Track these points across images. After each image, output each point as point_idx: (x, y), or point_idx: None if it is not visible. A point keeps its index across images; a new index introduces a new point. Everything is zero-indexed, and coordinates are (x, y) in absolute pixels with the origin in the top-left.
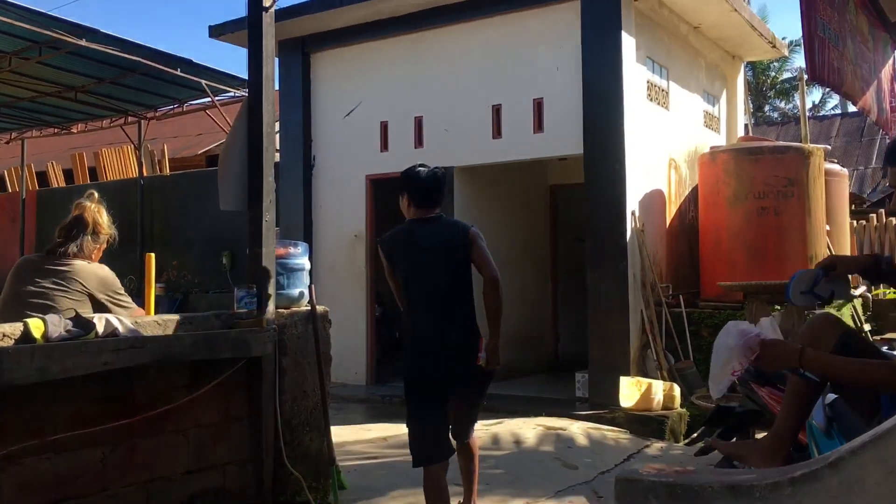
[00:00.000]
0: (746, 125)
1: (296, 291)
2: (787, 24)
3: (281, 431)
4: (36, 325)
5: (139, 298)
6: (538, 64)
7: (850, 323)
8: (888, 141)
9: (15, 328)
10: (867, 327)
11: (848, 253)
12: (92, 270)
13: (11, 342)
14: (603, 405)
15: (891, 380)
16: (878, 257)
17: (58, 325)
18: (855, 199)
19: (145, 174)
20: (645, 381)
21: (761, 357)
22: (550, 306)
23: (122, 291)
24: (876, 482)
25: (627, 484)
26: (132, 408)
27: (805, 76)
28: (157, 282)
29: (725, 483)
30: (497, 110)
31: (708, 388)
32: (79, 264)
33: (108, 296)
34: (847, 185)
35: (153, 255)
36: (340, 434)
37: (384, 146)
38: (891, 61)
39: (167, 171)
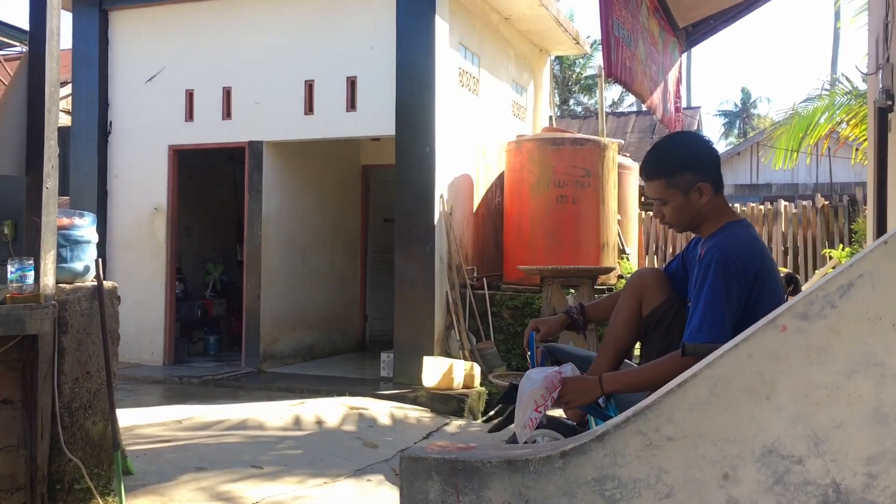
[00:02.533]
0: (551, 116)
1: (80, 265)
2: (591, 24)
3: (59, 415)
4: None
5: None
6: (353, 41)
7: None
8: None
9: None
10: None
11: (635, 241)
12: None
13: None
14: (407, 385)
15: (670, 373)
16: (568, 311)
17: None
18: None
19: None
20: (447, 360)
21: (563, 393)
22: (359, 287)
23: None
24: (636, 454)
25: (412, 462)
26: None
27: (603, 73)
28: None
29: (503, 458)
30: (310, 86)
31: (505, 367)
32: None
33: None
34: (637, 178)
35: None
36: (131, 417)
37: (189, 116)
38: (677, 64)
39: None
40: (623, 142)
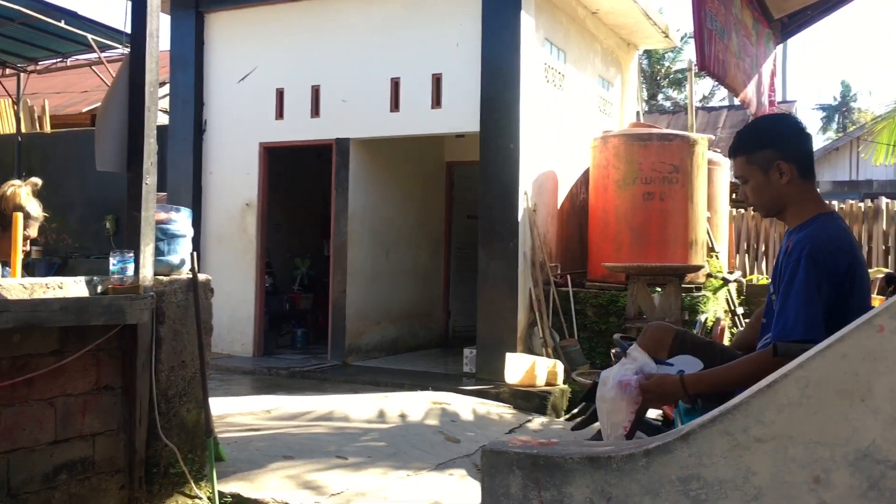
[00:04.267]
0: (638, 112)
1: (176, 258)
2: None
3: (156, 402)
4: None
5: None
6: (439, 39)
7: (725, 305)
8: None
9: None
10: (740, 310)
11: (726, 239)
12: None
13: None
14: (489, 381)
15: (758, 372)
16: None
17: None
18: (736, 188)
19: (24, 131)
20: (530, 357)
21: (646, 402)
22: (443, 283)
23: None
24: (723, 455)
25: (493, 455)
26: None
27: (694, 67)
28: (34, 245)
29: (585, 454)
30: (396, 83)
31: (589, 365)
32: None
33: None
34: (729, 175)
35: (20, 214)
36: (222, 405)
37: (279, 114)
38: (772, 56)
39: (48, 129)
40: (713, 137)
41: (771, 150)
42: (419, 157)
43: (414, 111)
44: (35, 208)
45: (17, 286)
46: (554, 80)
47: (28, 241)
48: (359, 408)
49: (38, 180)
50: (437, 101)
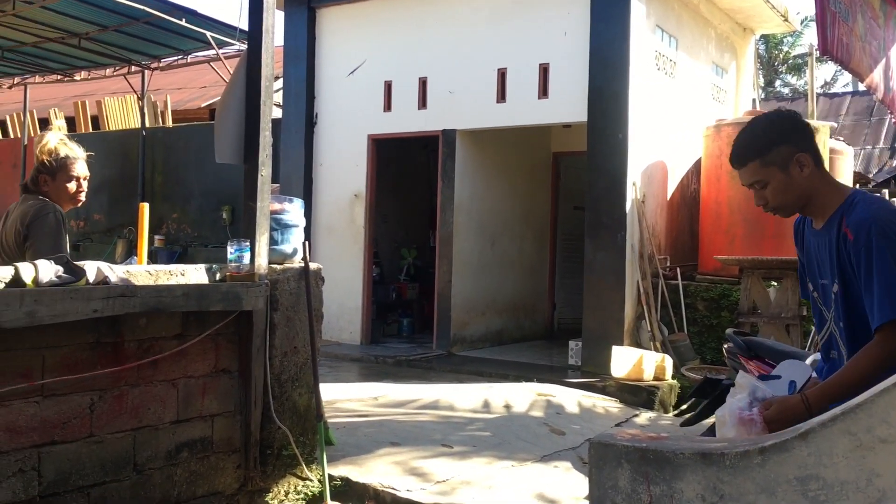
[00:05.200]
0: (754, 99)
1: (289, 248)
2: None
3: (270, 386)
4: (26, 270)
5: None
6: (546, 28)
7: None
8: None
9: (5, 272)
10: None
11: None
12: (22, 207)
13: (2, 285)
14: (595, 374)
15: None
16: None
17: (48, 270)
18: (860, 178)
19: (147, 125)
20: (637, 351)
21: (770, 429)
22: (548, 274)
23: (43, 235)
24: (844, 455)
25: (601, 448)
26: (121, 356)
27: (816, 51)
28: (156, 234)
29: (697, 450)
30: (502, 74)
31: (699, 360)
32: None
33: (16, 237)
34: (851, 164)
35: (146, 205)
36: (331, 391)
37: (387, 106)
38: None
39: (170, 123)
40: (836, 125)
41: (787, 146)
42: (525, 148)
43: (520, 102)
44: (70, 150)
45: (144, 273)
46: (665, 67)
47: (83, 181)
48: (464, 397)
49: (61, 125)
50: (543, 92)
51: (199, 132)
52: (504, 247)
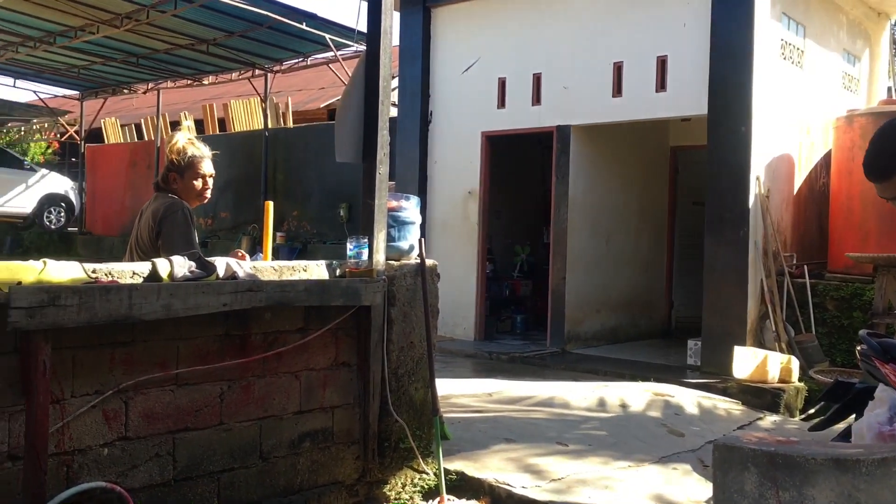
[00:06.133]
0: (889, 87)
1: (406, 244)
2: None
3: (387, 379)
4: (162, 265)
5: (260, 247)
6: (664, 19)
7: None
8: None
9: (143, 267)
10: None
11: None
12: (154, 205)
13: (140, 280)
14: (715, 374)
15: None
16: None
17: (182, 266)
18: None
19: (270, 126)
20: (761, 352)
21: None
22: (665, 271)
23: (174, 231)
24: None
25: (726, 451)
26: (248, 348)
27: None
28: (277, 231)
29: (830, 455)
30: (618, 68)
31: (828, 363)
32: (153, 199)
33: (149, 233)
34: None
35: (271, 203)
36: (446, 387)
37: (501, 103)
38: None
39: (290, 124)
40: None
41: None
42: (641, 143)
43: (637, 96)
44: (197, 149)
45: (269, 269)
46: (791, 56)
47: (209, 179)
48: (578, 395)
49: (189, 125)
50: (661, 85)
51: (319, 132)
52: (619, 243)
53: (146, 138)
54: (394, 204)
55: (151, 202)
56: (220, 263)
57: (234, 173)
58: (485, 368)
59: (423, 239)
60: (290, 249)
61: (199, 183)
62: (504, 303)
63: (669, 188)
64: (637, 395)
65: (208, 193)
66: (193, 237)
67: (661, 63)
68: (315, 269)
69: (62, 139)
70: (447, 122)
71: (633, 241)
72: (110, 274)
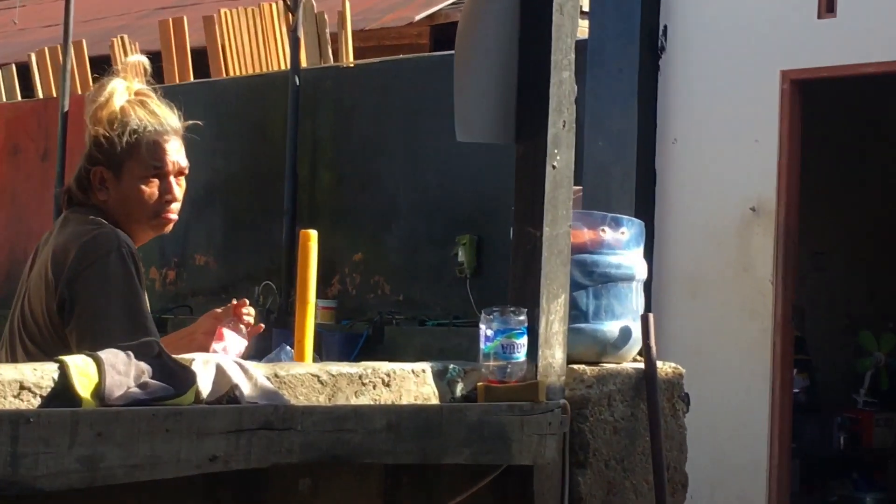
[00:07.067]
0: None
1: (614, 326)
2: None
3: None
4: (82, 371)
5: (287, 329)
6: None
7: None
8: None
9: (41, 373)
10: None
11: None
12: (58, 241)
13: (35, 403)
14: None
15: None
16: None
17: (123, 371)
18: None
19: (305, 63)
20: None
21: None
22: None
23: (102, 299)
24: None
25: None
26: None
27: None
28: (321, 297)
29: None
30: None
31: None
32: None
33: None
34: None
35: (313, 234)
36: None
37: (828, 7)
38: None
39: (350, 58)
40: None
41: None
42: None
43: None
44: (152, 113)
45: (308, 377)
46: None
47: (176, 180)
48: None
49: (138, 60)
50: None
51: (410, 76)
52: None
53: (39, 94)
54: (586, 236)
55: (55, 233)
56: (203, 368)
57: (228, 168)
58: None
59: (649, 315)
60: (348, 336)
61: (152, 189)
62: (835, 463)
63: None
64: None
65: (174, 213)
66: (141, 306)
67: None
68: (407, 382)
69: None
70: (700, 52)
71: None
72: None
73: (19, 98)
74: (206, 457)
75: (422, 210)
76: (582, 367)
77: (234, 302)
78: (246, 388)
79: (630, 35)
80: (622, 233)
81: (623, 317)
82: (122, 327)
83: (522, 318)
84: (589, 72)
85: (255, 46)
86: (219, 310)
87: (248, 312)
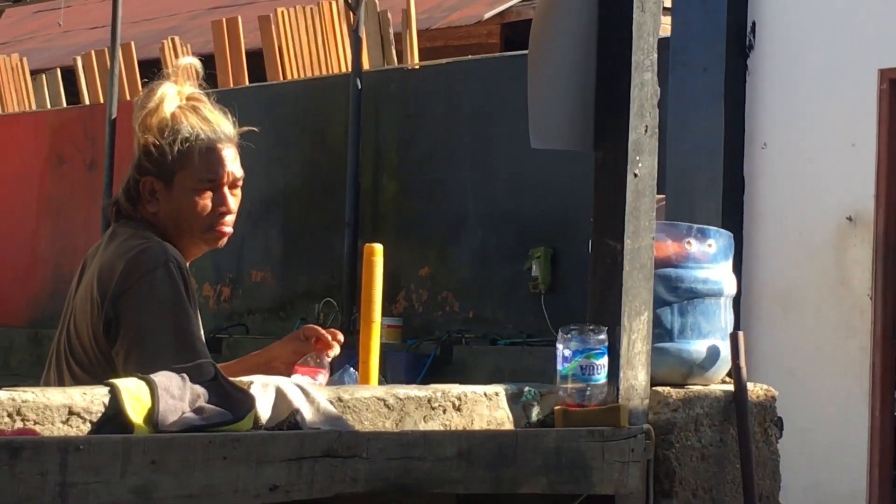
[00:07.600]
0: None
1: (702, 345)
2: None
3: None
4: (134, 395)
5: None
6: None
7: None
8: None
9: (90, 398)
10: None
11: None
12: (104, 258)
13: (85, 429)
14: None
15: None
16: None
17: (178, 395)
18: None
19: (367, 65)
20: None
21: None
22: None
23: (151, 318)
24: None
25: None
26: None
27: None
28: (385, 315)
29: None
30: None
31: None
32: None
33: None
34: None
35: (378, 248)
36: None
37: None
38: None
39: (415, 59)
40: None
41: None
42: None
43: None
44: (204, 120)
45: (374, 401)
46: None
47: (231, 192)
48: None
49: (190, 63)
50: None
51: (479, 77)
52: None
53: (85, 100)
54: (670, 249)
55: (102, 248)
56: (263, 389)
57: (286, 177)
58: None
59: (739, 333)
60: (414, 357)
61: (204, 200)
62: None
63: None
64: None
65: (228, 226)
66: (190, 326)
67: None
68: (479, 406)
69: None
70: (792, 50)
71: None
72: (18, 415)
73: (64, 105)
74: (266, 486)
75: (492, 221)
76: (667, 389)
77: (315, 327)
78: (308, 413)
79: (716, 33)
80: (709, 245)
81: (710, 335)
82: (169, 348)
83: (602, 336)
84: (672, 72)
85: (314, 47)
86: (302, 336)
87: (339, 340)
